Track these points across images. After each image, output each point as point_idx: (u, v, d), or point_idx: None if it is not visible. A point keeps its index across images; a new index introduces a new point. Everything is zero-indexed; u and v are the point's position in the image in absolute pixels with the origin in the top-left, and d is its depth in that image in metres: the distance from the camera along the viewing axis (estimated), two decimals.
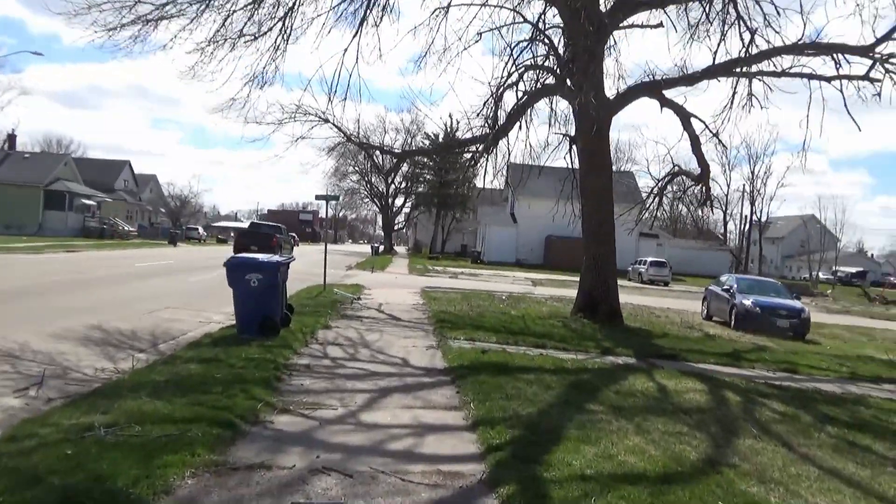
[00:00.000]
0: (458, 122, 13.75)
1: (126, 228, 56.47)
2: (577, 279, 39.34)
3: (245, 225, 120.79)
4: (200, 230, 69.87)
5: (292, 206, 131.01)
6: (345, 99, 12.48)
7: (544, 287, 29.61)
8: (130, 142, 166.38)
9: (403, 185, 71.95)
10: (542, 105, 14.01)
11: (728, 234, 75.64)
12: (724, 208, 70.54)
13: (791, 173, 73.77)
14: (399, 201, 76.08)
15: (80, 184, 56.50)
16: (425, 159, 65.59)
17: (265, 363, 7.01)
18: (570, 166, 14.04)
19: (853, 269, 79.60)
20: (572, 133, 13.72)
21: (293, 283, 20.92)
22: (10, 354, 7.70)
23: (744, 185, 66.76)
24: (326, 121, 14.49)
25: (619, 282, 38.18)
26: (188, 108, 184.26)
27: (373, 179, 72.92)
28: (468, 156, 15.07)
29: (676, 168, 15.97)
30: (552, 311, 15.42)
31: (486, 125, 12.45)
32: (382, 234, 78.43)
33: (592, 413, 5.61)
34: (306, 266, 28.56)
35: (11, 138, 56.60)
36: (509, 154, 13.83)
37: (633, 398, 6.41)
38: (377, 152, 15.34)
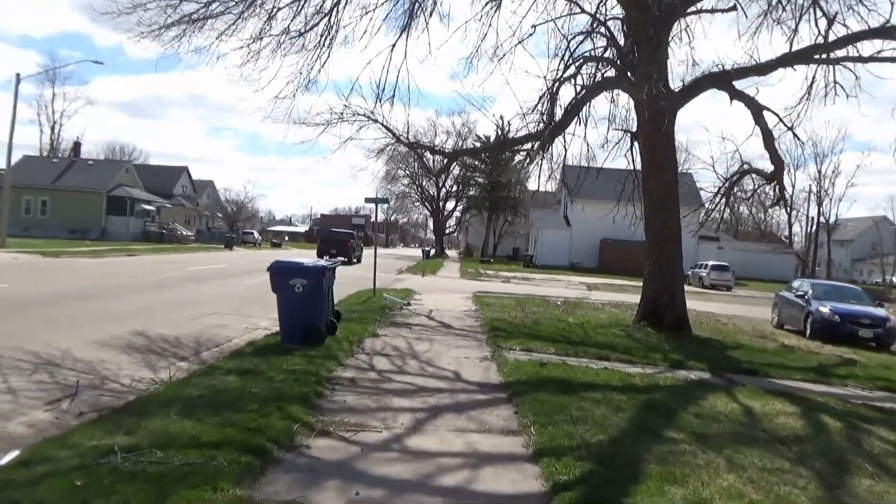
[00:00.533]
0: (510, 124, 13.05)
1: (184, 233, 57.80)
2: (634, 284, 37.85)
3: (301, 229, 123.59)
4: (256, 234, 71.12)
5: (345, 211, 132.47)
6: (393, 97, 12.00)
7: (600, 292, 28.56)
8: (189, 149, 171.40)
9: (454, 188, 71.59)
10: (600, 101, 13.16)
11: (793, 237, 72.27)
12: (789, 209, 67.39)
13: (861, 172, 69.87)
14: (450, 205, 75.78)
15: (141, 190, 58.22)
16: (476, 161, 65.08)
17: (306, 376, 6.51)
18: (631, 164, 13.19)
19: None
20: (634, 129, 12.86)
21: (343, 287, 20.64)
22: (51, 362, 7.46)
23: (810, 185, 63.58)
24: (375, 121, 14.03)
25: None
26: (243, 116, 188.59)
27: (423, 183, 72.86)
28: (522, 156, 14.34)
29: (746, 166, 14.88)
30: (612, 318, 14.56)
31: (542, 122, 11.73)
32: (433, 237, 78.23)
33: (673, 442, 4.86)
34: (357, 270, 28.33)
35: (77, 146, 58.81)
36: (566, 153, 13.07)
37: (718, 423, 5.61)
38: (427, 153, 14.83)
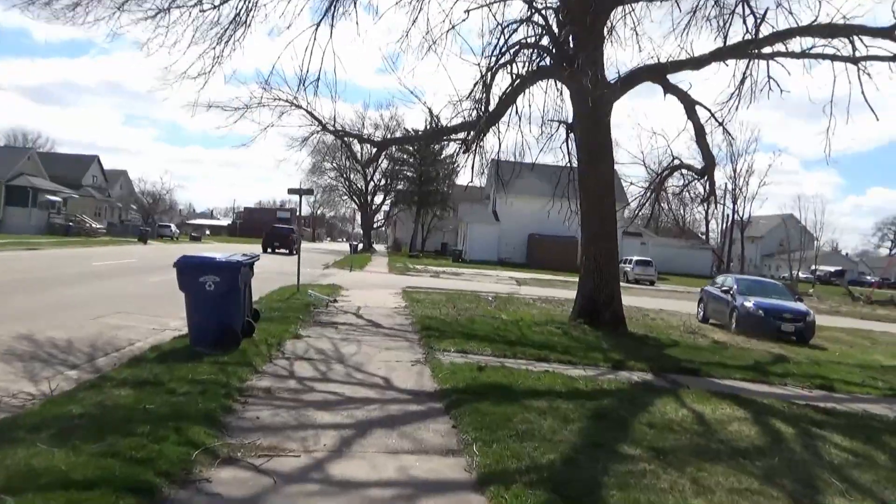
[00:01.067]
0: (439, 116, 12.39)
1: (93, 225, 54.23)
2: (562, 279, 38.02)
3: (224, 223, 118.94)
4: (173, 227, 67.60)
5: (269, 204, 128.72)
6: (317, 80, 11.16)
7: (530, 287, 28.49)
8: (103, 138, 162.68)
9: (383, 182, 70.53)
10: (535, 93, 12.72)
11: (709, 233, 75.31)
12: (717, 205, 70.12)
13: (771, 172, 73.37)
14: (378, 199, 74.67)
15: (46, 179, 54.20)
16: (405, 154, 64.30)
17: (215, 388, 5.66)
18: (566, 158, 12.84)
19: (832, 268, 79.68)
20: (570, 121, 12.50)
21: (265, 283, 19.52)
22: None
23: (725, 184, 66.27)
24: (298, 107, 13.13)
25: None
26: (160, 105, 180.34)
27: (351, 176, 71.43)
28: (454, 147, 13.75)
29: (677, 161, 14.85)
30: (546, 315, 14.21)
31: (476, 110, 11.19)
32: (361, 232, 76.94)
33: (631, 460, 4.36)
34: (280, 265, 27.11)
35: None
36: (500, 144, 12.58)
37: (673, 434, 5.17)
38: (354, 142, 14.00)
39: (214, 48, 10.78)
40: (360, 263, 36.64)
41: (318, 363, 7.31)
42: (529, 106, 12.60)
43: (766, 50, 11.26)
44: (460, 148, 11.92)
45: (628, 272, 40.50)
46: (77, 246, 36.80)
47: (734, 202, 65.87)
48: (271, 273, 22.98)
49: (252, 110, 13.03)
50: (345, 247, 73.02)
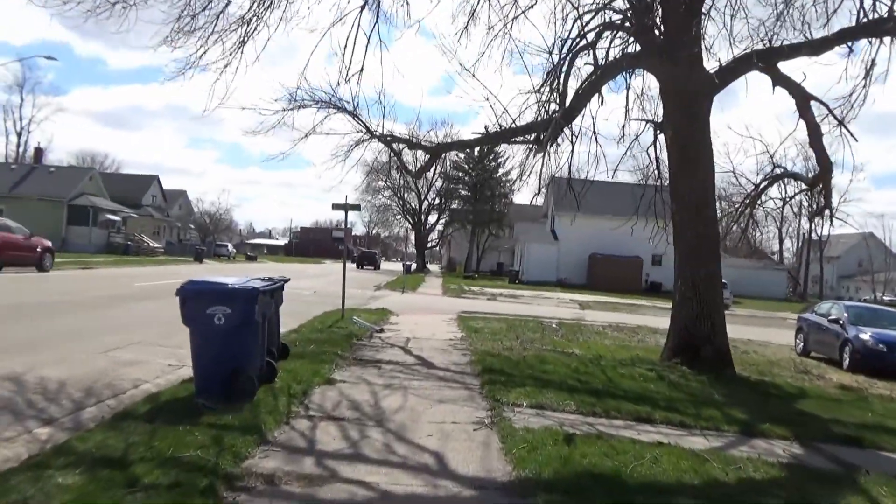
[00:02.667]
0: (499, 120, 10.53)
1: (152, 245, 54.66)
2: (626, 301, 35.34)
3: (280, 242, 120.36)
4: (229, 247, 67.88)
5: (326, 224, 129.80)
6: (361, 71, 9.55)
7: (594, 311, 26.20)
8: (168, 160, 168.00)
9: (437, 201, 69.18)
10: (608, 100, 10.77)
11: (782, 253, 70.73)
12: (779, 225, 65.90)
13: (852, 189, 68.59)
14: (432, 218, 73.27)
15: (106, 199, 55.07)
16: (460, 173, 62.76)
17: (194, 477, 3.95)
18: (653, 162, 10.80)
19: None
20: (659, 119, 10.51)
21: (308, 307, 18.06)
22: None
23: (801, 200, 61.77)
24: (341, 109, 11.59)
25: (670, 304, 34.31)
26: (223, 128, 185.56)
27: (405, 195, 70.39)
28: (519, 155, 11.83)
29: (780, 169, 12.61)
30: (628, 350, 12.11)
31: (546, 106, 9.34)
32: (415, 252, 75.61)
33: None
34: (329, 286, 25.72)
35: (38, 152, 55.54)
36: (573, 148, 10.64)
37: None
38: (405, 151, 12.35)
39: (238, 29, 9.30)
40: (413, 285, 35.06)
41: (349, 426, 5.51)
42: (603, 105, 10.63)
43: None
44: (530, 150, 10.08)
45: None
46: (133, 265, 36.54)
47: (811, 220, 61.32)
48: (318, 296, 21.58)
49: (289, 113, 11.57)
50: (398, 267, 71.84)
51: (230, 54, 9.47)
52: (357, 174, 70.97)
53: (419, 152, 11.49)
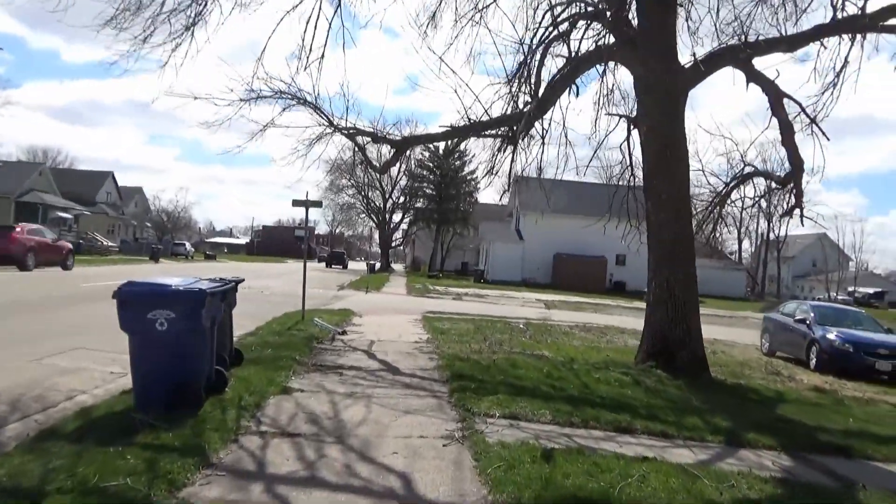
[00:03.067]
0: (468, 113, 10.04)
1: (106, 243, 52.68)
2: (590, 301, 35.16)
3: (242, 241, 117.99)
4: (187, 245, 65.95)
5: (289, 222, 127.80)
6: (321, 58, 8.99)
7: (560, 311, 25.99)
8: (128, 157, 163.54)
9: (402, 199, 68.52)
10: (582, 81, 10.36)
11: (741, 253, 72.03)
12: (738, 225, 67.01)
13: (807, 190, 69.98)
14: (397, 217, 72.56)
15: (57, 195, 52.95)
16: (425, 171, 62.19)
17: None
18: (626, 158, 10.45)
19: (870, 290, 75.81)
20: (632, 114, 10.16)
21: (268, 308, 17.33)
22: None
23: (758, 201, 62.98)
24: (303, 101, 11.01)
25: (635, 303, 34.20)
26: (184, 125, 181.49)
27: (370, 194, 69.56)
28: (484, 155, 11.37)
29: (751, 168, 12.45)
30: (598, 352, 11.79)
31: (522, 94, 8.88)
32: (379, 251, 74.83)
33: None
34: (291, 286, 24.96)
35: None
36: (543, 142, 10.23)
37: None
38: (370, 146, 11.78)
39: (187, 9, 8.62)
40: (377, 284, 34.41)
41: (305, 444, 4.95)
42: (574, 98, 10.25)
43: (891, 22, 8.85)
44: (500, 145, 9.63)
45: None
46: (83, 265, 35.02)
47: (769, 220, 62.65)
48: (278, 296, 20.81)
49: (247, 105, 10.94)
50: (362, 266, 70.91)
51: (179, 35, 8.80)
52: (320, 171, 69.99)
53: (384, 148, 10.95)
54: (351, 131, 10.88)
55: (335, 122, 11.29)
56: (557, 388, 7.32)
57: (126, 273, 28.67)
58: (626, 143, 10.35)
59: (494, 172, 9.72)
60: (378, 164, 12.11)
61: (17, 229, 25.72)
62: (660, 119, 9.46)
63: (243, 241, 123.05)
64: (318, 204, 14.02)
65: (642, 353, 9.44)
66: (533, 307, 27.21)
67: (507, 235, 52.98)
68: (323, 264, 67.36)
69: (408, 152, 56.69)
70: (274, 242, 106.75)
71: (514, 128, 9.02)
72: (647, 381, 8.17)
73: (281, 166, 10.70)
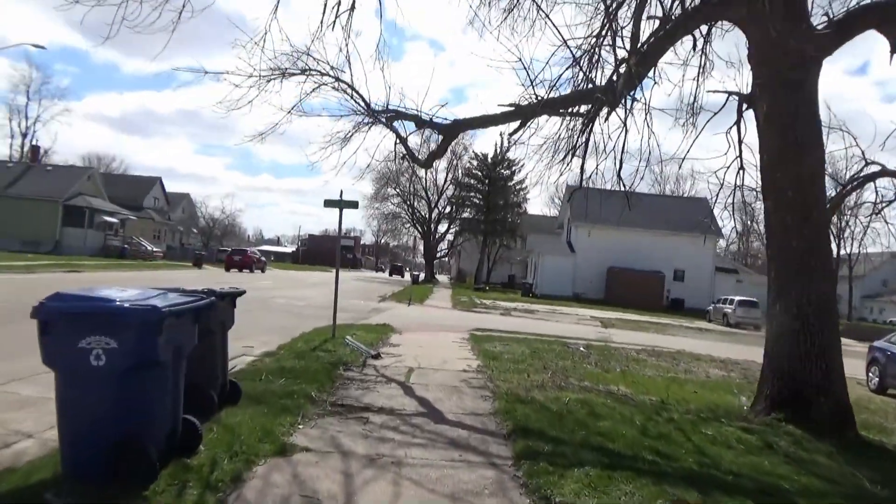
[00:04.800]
0: (533, 88, 7.99)
1: (150, 248, 52.50)
2: (650, 319, 32.09)
3: (288, 250, 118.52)
4: None
5: (335, 232, 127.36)
6: (352, 8, 7.11)
7: (619, 331, 23.59)
8: (180, 166, 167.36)
9: (447, 209, 66.72)
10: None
11: None
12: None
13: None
14: (442, 227, 70.78)
15: (105, 200, 53.00)
16: (473, 181, 60.23)
17: None
18: (734, 147, 8.23)
19: None
20: (745, 90, 8.00)
21: (299, 321, 15.62)
22: None
23: (883, 209, 57.32)
24: (336, 79, 9.26)
25: (697, 323, 30.59)
26: (236, 135, 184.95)
27: (415, 203, 68.09)
28: (566, 126, 9.21)
29: (880, 168, 10.09)
30: (685, 388, 9.57)
31: (601, 66, 6.85)
32: (424, 261, 73.16)
33: None
34: (330, 297, 23.17)
35: (35, 150, 53.46)
36: (625, 126, 8.14)
37: None
38: (411, 132, 9.85)
39: None
40: (421, 296, 32.58)
41: None
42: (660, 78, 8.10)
43: None
44: (588, 113, 7.54)
45: (728, 314, 34.83)
46: (124, 269, 34.34)
47: (838, 237, 58.10)
48: (316, 308, 19.16)
49: (270, 84, 9.24)
50: (406, 277, 69.32)
51: None
52: (365, 182, 68.54)
53: (430, 137, 9.04)
54: (390, 115, 9.01)
55: (371, 105, 9.47)
56: (664, 456, 5.21)
57: (156, 279, 27.55)
58: (735, 127, 8.17)
59: (572, 154, 7.68)
60: (422, 159, 10.20)
61: None
62: (785, 95, 7.29)
63: (290, 249, 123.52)
64: (353, 204, 12.23)
65: (764, 400, 7.17)
66: (588, 325, 24.92)
67: (558, 248, 50.56)
68: (380, 273, 75.45)
69: (455, 157, 54.12)
70: (319, 251, 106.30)
71: (602, 97, 6.96)
72: (780, 444, 5.98)
73: (313, 161, 8.85)
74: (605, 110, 8.03)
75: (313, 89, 9.59)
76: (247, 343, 11.38)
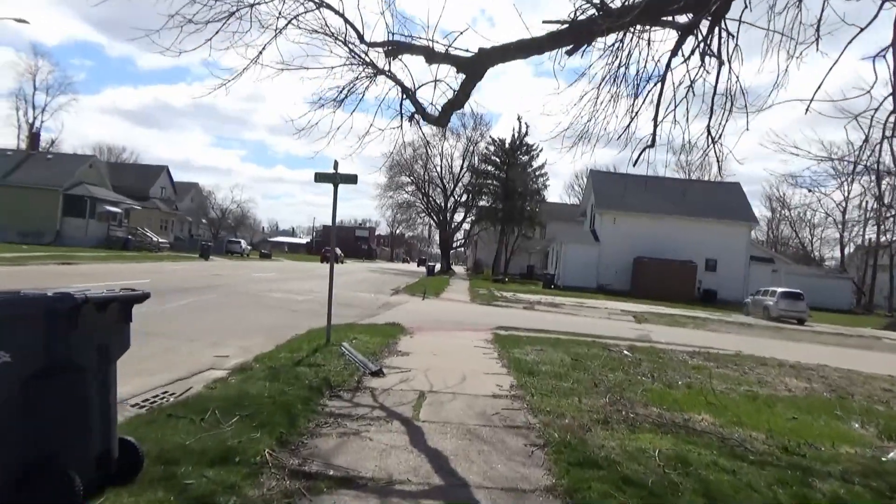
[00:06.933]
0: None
1: (156, 239, 50.64)
2: (686, 313, 29.22)
3: (303, 241, 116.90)
4: (243, 244, 63.56)
5: (350, 222, 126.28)
6: None
7: (655, 326, 21.10)
8: (196, 158, 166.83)
9: (464, 197, 64.26)
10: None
11: (843, 259, 64.22)
12: (841, 229, 59.68)
13: None
14: (458, 216, 68.38)
15: (108, 189, 51.21)
16: (490, 167, 57.53)
17: None
18: (892, 74, 5.71)
19: None
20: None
21: (294, 319, 13.38)
22: None
23: (866, 202, 54.94)
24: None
25: (734, 317, 27.42)
26: (251, 127, 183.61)
27: (430, 191, 65.75)
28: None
29: None
30: (774, 408, 7.10)
31: None
32: (439, 252, 70.84)
33: None
34: (339, 289, 20.78)
35: (35, 137, 51.63)
36: (717, 56, 5.66)
37: None
38: (419, 86, 7.41)
39: None
40: (436, 289, 30.23)
41: None
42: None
43: None
44: (679, 40, 5.12)
45: (770, 307, 32.04)
46: (125, 261, 32.36)
47: (879, 223, 54.85)
48: (322, 304, 16.88)
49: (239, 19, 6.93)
50: (421, 268, 67.10)
51: None
52: (380, 174, 66.15)
53: (442, 93, 6.80)
54: (390, 48, 6.59)
55: (363, 35, 7.04)
56: None
57: (150, 271, 25.41)
58: (891, 49, 5.65)
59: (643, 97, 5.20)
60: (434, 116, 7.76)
61: None
62: None
63: (304, 240, 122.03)
64: (351, 179, 9.86)
65: None
66: (620, 320, 22.43)
67: (582, 236, 47.94)
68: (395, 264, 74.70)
69: (471, 143, 51.22)
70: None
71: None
72: None
73: (299, 127, 6.29)
74: (690, 38, 5.59)
75: (290, 21, 7.19)
76: (222, 351, 9.14)
